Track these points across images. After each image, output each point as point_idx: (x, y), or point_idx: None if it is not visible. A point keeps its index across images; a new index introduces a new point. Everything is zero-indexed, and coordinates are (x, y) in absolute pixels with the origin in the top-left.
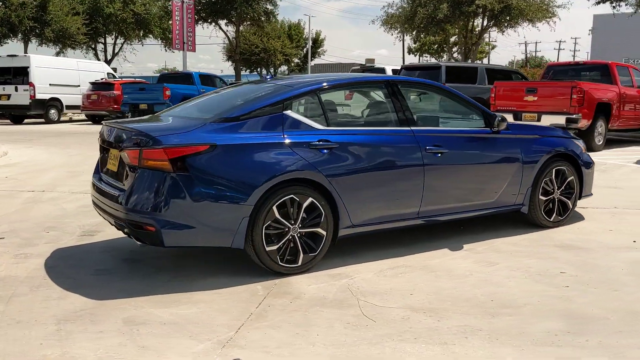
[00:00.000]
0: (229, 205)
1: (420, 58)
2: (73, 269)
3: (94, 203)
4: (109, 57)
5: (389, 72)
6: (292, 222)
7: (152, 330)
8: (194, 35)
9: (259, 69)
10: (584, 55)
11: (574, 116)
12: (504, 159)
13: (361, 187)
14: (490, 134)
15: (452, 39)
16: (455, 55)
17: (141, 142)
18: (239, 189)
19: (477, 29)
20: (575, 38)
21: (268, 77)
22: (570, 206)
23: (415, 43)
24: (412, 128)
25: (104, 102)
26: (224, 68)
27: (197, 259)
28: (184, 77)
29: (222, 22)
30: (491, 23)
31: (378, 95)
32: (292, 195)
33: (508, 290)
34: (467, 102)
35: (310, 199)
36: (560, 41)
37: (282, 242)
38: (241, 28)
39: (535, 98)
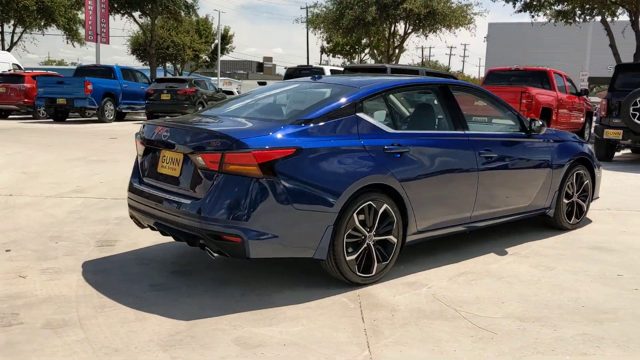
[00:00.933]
0: (315, 213)
1: (332, 58)
2: (123, 284)
3: (133, 207)
4: (6, 47)
5: (328, 73)
6: (368, 230)
7: (277, 353)
8: (107, 27)
9: (165, 64)
10: (475, 60)
11: None
12: (539, 163)
13: (428, 193)
14: (526, 137)
15: (364, 41)
16: (365, 57)
17: (222, 145)
18: (324, 195)
19: (399, 33)
20: (465, 44)
21: (317, 76)
22: (585, 209)
23: (328, 43)
24: (466, 132)
25: (13, 96)
26: (124, 63)
27: (249, 269)
28: (104, 71)
29: (136, 14)
30: (414, 27)
31: (433, 98)
32: (370, 202)
33: (588, 295)
34: (506, 106)
35: (385, 205)
36: (451, 47)
37: (360, 251)
38: (156, 21)
39: (485, 102)
